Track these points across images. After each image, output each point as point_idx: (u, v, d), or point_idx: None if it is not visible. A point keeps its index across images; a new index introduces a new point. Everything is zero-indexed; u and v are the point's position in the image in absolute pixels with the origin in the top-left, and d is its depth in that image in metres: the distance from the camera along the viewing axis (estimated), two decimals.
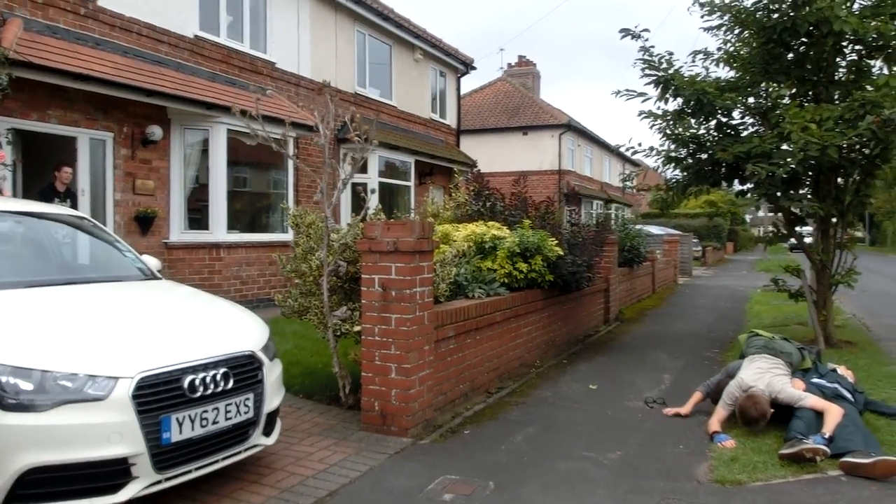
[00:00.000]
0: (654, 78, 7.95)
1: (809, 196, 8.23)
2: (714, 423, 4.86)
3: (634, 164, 35.93)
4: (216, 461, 3.50)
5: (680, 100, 7.95)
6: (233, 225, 11.08)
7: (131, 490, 3.08)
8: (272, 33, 12.42)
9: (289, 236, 12.00)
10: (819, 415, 4.59)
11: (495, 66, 71.47)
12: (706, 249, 29.75)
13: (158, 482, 3.19)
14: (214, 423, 3.42)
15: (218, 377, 3.45)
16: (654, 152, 8.76)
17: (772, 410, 4.78)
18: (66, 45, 8.47)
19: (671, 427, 5.06)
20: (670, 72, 7.85)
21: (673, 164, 8.79)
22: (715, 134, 8.25)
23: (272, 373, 3.93)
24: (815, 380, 5.18)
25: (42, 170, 8.80)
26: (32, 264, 4.08)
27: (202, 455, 3.39)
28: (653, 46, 7.98)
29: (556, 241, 7.44)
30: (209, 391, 3.39)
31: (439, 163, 17.74)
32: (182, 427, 3.25)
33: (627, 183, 10.15)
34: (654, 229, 24.64)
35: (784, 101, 8.04)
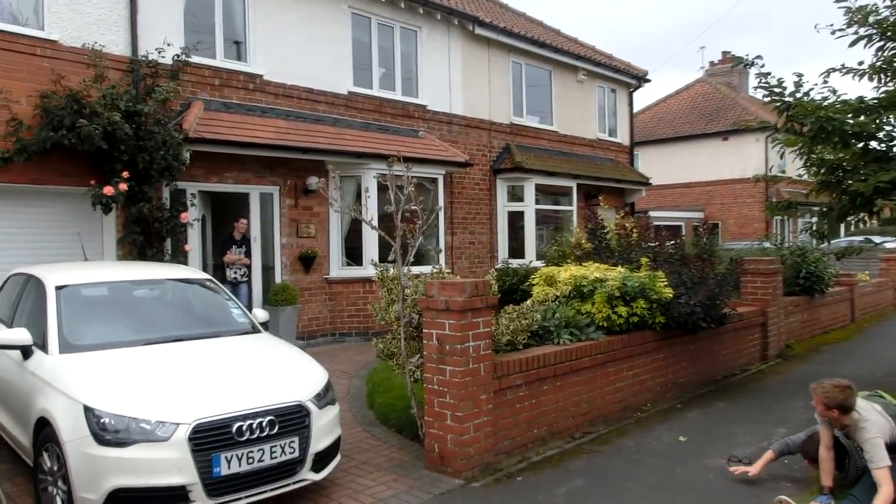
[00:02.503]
0: (778, 104, 7.50)
1: None
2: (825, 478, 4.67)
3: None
4: (264, 492, 4.26)
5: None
6: (385, 259, 12.16)
7: None
8: (423, 78, 13.41)
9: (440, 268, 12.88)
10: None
11: (696, 65, 67.42)
12: None
13: None
14: (260, 461, 4.18)
15: (264, 424, 4.21)
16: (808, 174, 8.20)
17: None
18: (238, 117, 10.08)
19: (735, 492, 4.91)
20: (789, 97, 7.35)
21: (826, 190, 8.16)
22: (859, 161, 7.52)
23: (322, 418, 4.61)
24: None
25: (224, 222, 10.52)
26: (153, 324, 5.19)
27: (249, 486, 4.16)
28: (769, 73, 7.55)
29: (666, 283, 7.38)
30: (255, 435, 4.16)
31: (607, 184, 17.64)
32: (230, 464, 4.05)
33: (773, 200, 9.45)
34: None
35: None
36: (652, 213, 27.33)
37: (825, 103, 7.42)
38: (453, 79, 14.07)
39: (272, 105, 10.80)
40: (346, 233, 11.91)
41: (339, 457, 4.98)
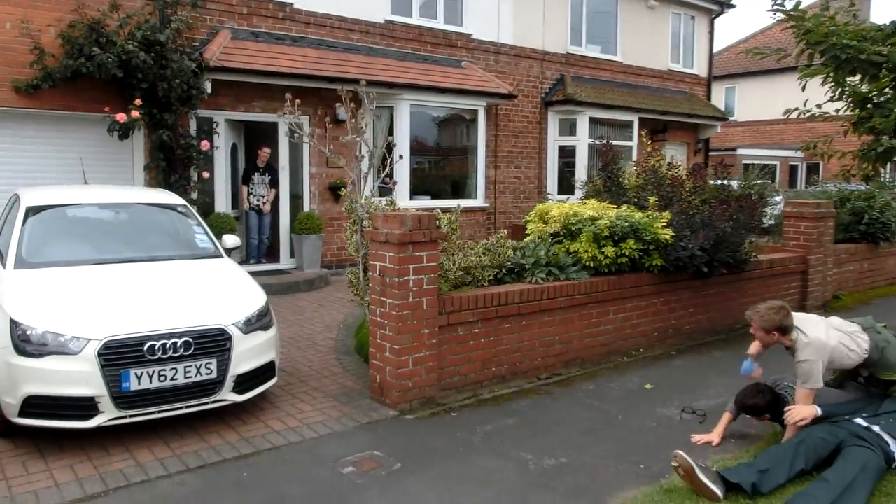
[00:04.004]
0: (798, 28, 6.74)
1: None
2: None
3: None
4: (179, 408, 4.48)
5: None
6: (422, 191, 12.18)
7: (98, 420, 4.21)
8: (469, 5, 12.97)
9: (474, 202, 12.79)
10: None
11: None
12: None
13: (122, 417, 4.27)
14: (173, 379, 4.38)
15: (178, 344, 4.40)
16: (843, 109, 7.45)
17: None
18: (265, 46, 10.16)
19: (664, 441, 4.68)
20: (809, 20, 6.57)
21: (861, 126, 7.40)
22: (889, 92, 6.73)
23: (247, 343, 4.75)
24: (860, 420, 4.19)
25: (256, 151, 10.78)
26: (108, 245, 5.44)
27: (162, 402, 4.38)
28: None
29: (666, 223, 6.98)
30: (167, 355, 4.35)
31: (675, 118, 16.65)
32: (140, 379, 4.28)
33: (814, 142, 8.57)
34: None
35: None
36: (744, 151, 25.70)
37: (838, 28, 6.57)
38: (503, 6, 13.52)
39: (302, 34, 10.80)
40: (379, 165, 11.91)
41: (273, 380, 5.14)
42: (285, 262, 10.98)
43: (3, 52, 8.11)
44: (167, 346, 4.37)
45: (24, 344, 4.19)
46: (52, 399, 4.15)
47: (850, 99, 6.91)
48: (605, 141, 8.74)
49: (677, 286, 7.46)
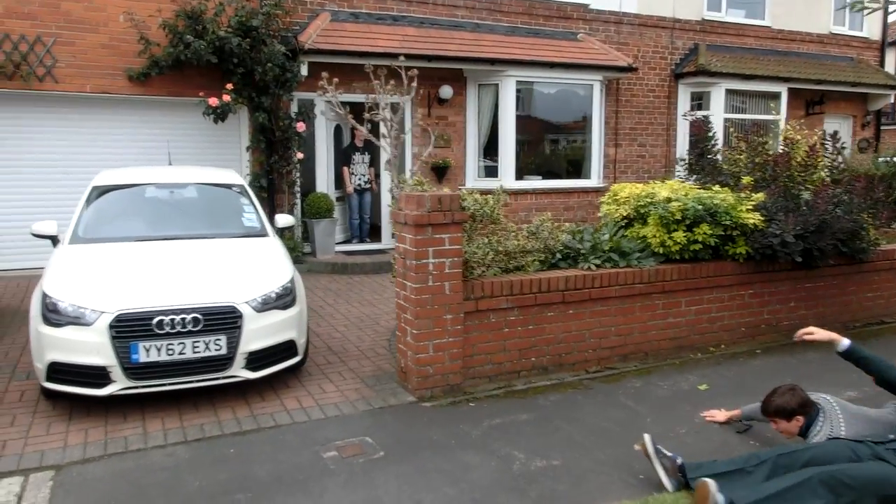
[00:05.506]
0: None
1: None
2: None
3: None
4: (189, 382, 4.63)
5: None
6: (530, 171, 11.80)
7: (110, 388, 4.47)
8: None
9: (588, 182, 12.19)
10: None
11: None
12: None
13: (133, 387, 4.51)
14: (181, 353, 4.54)
15: (187, 320, 4.54)
16: None
17: None
18: (364, 27, 10.27)
19: (689, 449, 4.12)
20: None
21: None
22: None
23: (260, 321, 4.81)
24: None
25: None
26: (155, 223, 5.73)
27: (171, 375, 4.56)
28: None
29: (753, 206, 6.18)
30: (175, 329, 4.51)
31: (835, 87, 14.75)
32: (149, 352, 4.47)
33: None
34: None
35: None
36: None
37: None
38: None
39: (404, 13, 10.77)
40: (486, 143, 11.70)
41: (295, 359, 5.17)
42: (387, 241, 11.12)
43: (118, 43, 8.88)
44: (175, 321, 4.52)
45: (51, 314, 4.53)
46: (71, 366, 4.46)
47: None
48: (698, 117, 7.87)
49: (773, 277, 6.59)
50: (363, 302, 8.17)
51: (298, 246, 9.99)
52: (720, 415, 4.58)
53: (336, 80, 6.54)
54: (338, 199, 10.94)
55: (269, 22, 9.01)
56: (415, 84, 6.36)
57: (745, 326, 6.58)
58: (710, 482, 3.25)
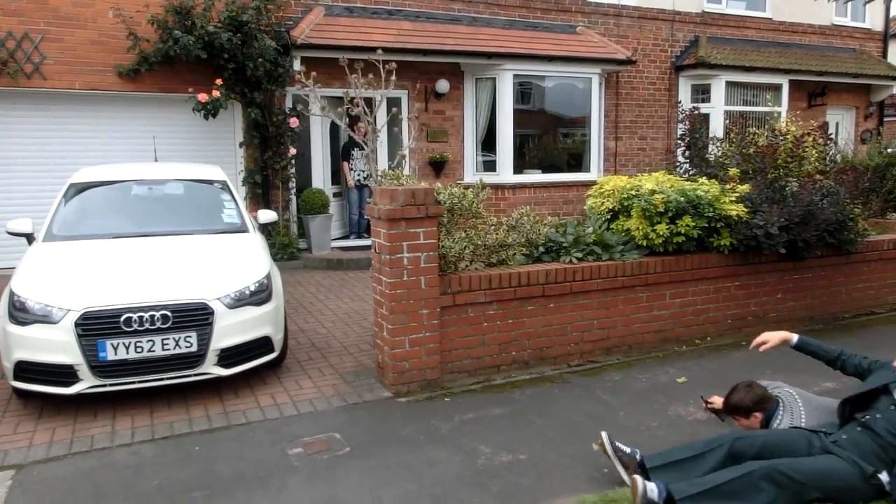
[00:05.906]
0: None
1: None
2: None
3: None
4: (160, 379, 4.59)
5: None
6: (529, 165, 11.70)
7: (78, 387, 4.44)
8: None
9: (587, 175, 12.06)
10: None
11: None
12: None
13: (101, 386, 4.48)
14: (150, 351, 4.50)
15: (156, 317, 4.51)
16: None
17: None
18: (359, 21, 10.20)
19: (658, 442, 4.03)
20: None
21: None
22: None
23: (233, 317, 4.75)
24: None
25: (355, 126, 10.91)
26: (132, 219, 5.68)
27: (141, 372, 4.52)
28: None
29: (736, 198, 6.07)
30: (143, 327, 4.48)
31: (837, 79, 14.53)
32: (117, 350, 4.44)
33: None
34: None
35: None
36: None
37: None
38: None
39: (399, 7, 10.70)
40: (483, 137, 11.61)
41: (272, 355, 5.12)
42: None
43: (106, 39, 8.87)
44: (144, 318, 4.48)
45: (18, 312, 4.49)
46: (38, 365, 4.42)
47: None
48: (684, 109, 7.75)
49: (759, 269, 6.49)
50: (354, 297, 8.12)
51: (294, 242, 9.97)
52: (720, 401, 4.39)
53: (314, 73, 6.44)
54: (336, 194, 10.90)
55: (259, 17, 8.96)
56: (394, 78, 6.24)
57: (732, 318, 6.47)
58: (639, 479, 3.22)
